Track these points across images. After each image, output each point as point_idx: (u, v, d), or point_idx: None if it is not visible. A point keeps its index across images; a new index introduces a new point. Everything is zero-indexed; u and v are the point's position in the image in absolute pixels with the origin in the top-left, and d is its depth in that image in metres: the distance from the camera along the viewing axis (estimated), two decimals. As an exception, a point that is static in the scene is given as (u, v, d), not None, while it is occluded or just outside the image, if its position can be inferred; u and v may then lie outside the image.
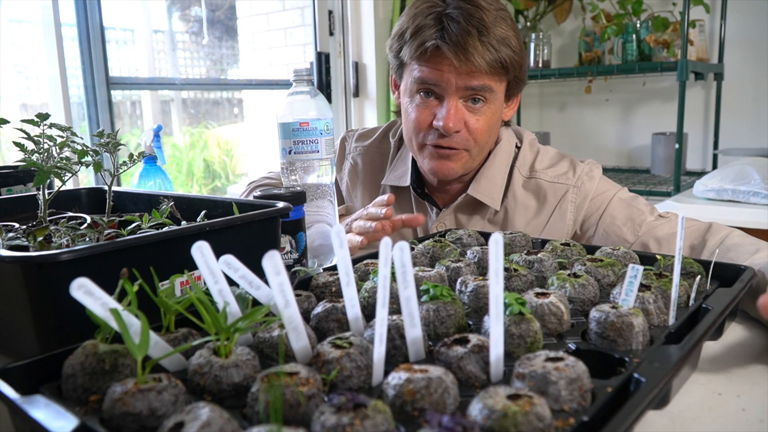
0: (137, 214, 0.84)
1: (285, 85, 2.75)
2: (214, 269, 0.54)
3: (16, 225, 0.78)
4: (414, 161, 1.25)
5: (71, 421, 0.43)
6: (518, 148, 1.24)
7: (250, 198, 0.87)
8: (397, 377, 0.46)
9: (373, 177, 1.33)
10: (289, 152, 0.99)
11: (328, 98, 2.73)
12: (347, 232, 1.09)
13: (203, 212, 0.84)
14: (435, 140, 1.13)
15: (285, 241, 0.89)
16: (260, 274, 0.52)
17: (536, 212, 1.19)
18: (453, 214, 1.23)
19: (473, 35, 1.04)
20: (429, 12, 1.09)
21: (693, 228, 1.04)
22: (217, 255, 0.54)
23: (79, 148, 0.79)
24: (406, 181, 1.25)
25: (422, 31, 1.08)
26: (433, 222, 1.24)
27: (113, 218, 0.84)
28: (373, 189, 1.32)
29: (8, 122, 0.77)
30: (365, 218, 1.07)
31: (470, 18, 1.05)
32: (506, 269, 0.74)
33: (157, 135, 1.22)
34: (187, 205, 0.88)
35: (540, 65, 2.73)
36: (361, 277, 0.79)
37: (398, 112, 1.24)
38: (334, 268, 0.77)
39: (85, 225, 0.80)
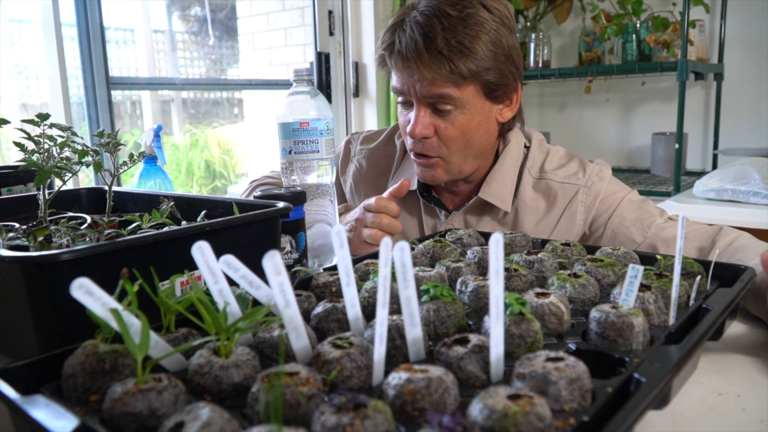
0: (137, 214, 0.84)
1: (285, 85, 2.75)
2: (214, 269, 0.54)
3: (16, 225, 0.78)
4: None
5: (71, 421, 0.43)
6: (527, 148, 1.24)
7: (251, 197, 0.87)
8: (397, 377, 0.46)
9: (377, 180, 1.33)
10: (290, 152, 0.99)
11: (328, 98, 2.73)
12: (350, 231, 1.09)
13: (203, 212, 0.84)
14: (410, 146, 1.14)
15: (285, 241, 0.89)
16: (260, 274, 0.52)
17: (546, 213, 1.18)
18: (462, 216, 1.22)
19: (419, 46, 1.01)
20: (395, 20, 1.09)
21: (702, 231, 1.03)
22: (218, 255, 0.54)
23: (79, 148, 0.79)
24: (414, 185, 1.25)
25: (384, 40, 1.09)
26: (442, 224, 1.24)
27: (113, 218, 0.84)
28: (378, 192, 1.32)
29: (8, 122, 0.77)
30: (375, 227, 1.06)
31: (421, 26, 1.02)
32: (506, 269, 0.74)
33: (157, 135, 1.22)
34: (187, 205, 0.88)
35: (540, 65, 2.73)
36: (362, 277, 0.79)
37: None
38: (334, 268, 0.77)
39: (85, 225, 0.80)
